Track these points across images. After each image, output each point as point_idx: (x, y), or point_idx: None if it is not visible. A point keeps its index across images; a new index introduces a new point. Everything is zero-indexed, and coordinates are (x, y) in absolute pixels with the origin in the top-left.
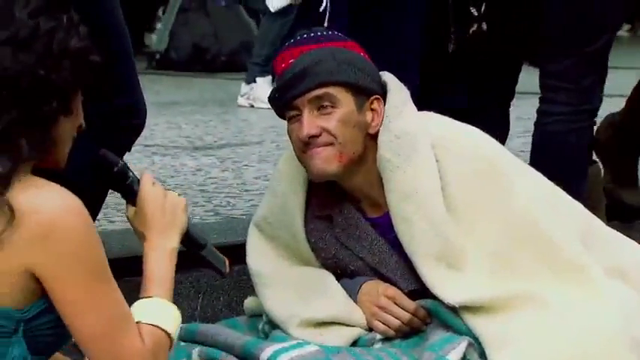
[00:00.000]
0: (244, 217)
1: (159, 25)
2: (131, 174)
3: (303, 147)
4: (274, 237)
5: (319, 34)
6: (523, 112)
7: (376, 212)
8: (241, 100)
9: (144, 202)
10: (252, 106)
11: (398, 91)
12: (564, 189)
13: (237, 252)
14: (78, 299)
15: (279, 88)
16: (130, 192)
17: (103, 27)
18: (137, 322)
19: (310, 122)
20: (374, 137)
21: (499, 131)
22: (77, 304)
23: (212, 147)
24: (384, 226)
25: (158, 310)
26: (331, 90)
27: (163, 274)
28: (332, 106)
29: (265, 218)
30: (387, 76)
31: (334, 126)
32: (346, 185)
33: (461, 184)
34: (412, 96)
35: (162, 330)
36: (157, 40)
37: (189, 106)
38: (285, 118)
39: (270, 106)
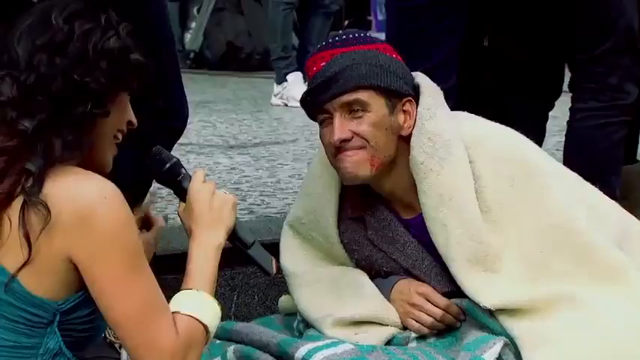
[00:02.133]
0: (279, 215)
1: (193, 24)
2: (183, 171)
3: (335, 151)
4: (308, 237)
5: (351, 36)
6: (558, 111)
7: (409, 214)
8: (275, 100)
9: (192, 198)
10: (286, 105)
11: (430, 93)
12: (595, 184)
13: (272, 251)
14: (113, 282)
15: (310, 92)
16: (181, 188)
17: (149, 28)
18: (174, 313)
19: (341, 126)
20: (406, 139)
21: (533, 132)
22: (112, 286)
23: (246, 145)
24: (418, 228)
25: (197, 302)
26: (362, 94)
27: (206, 269)
28: (363, 110)
29: (299, 219)
30: (420, 78)
31: (366, 130)
32: (378, 188)
33: (496, 185)
34: (449, 97)
35: (199, 322)
36: (190, 39)
37: (224, 104)
38: (316, 121)
39: None
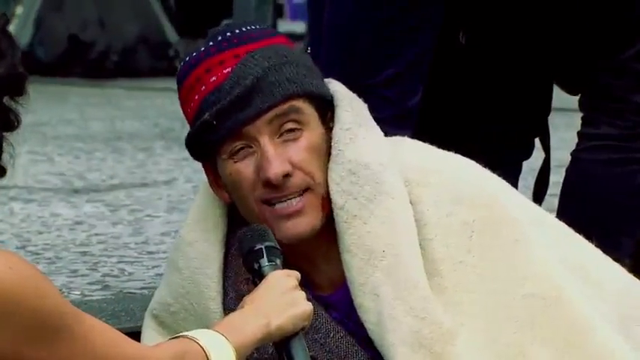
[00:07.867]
0: (146, 292)
1: (19, 10)
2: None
3: (266, 193)
4: (179, 332)
5: (245, 29)
6: (556, 136)
7: (327, 288)
8: None
9: (267, 281)
10: None
11: (349, 105)
12: (602, 246)
13: None
14: None
15: (220, 112)
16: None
17: None
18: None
19: (279, 153)
20: None
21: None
22: None
23: (99, 189)
24: (341, 307)
25: (204, 333)
26: (298, 103)
27: (241, 329)
28: (300, 128)
29: (166, 306)
30: (334, 85)
31: (306, 159)
32: (295, 249)
33: (449, 237)
34: (409, 120)
35: (198, 344)
36: (15, 30)
37: (65, 128)
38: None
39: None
